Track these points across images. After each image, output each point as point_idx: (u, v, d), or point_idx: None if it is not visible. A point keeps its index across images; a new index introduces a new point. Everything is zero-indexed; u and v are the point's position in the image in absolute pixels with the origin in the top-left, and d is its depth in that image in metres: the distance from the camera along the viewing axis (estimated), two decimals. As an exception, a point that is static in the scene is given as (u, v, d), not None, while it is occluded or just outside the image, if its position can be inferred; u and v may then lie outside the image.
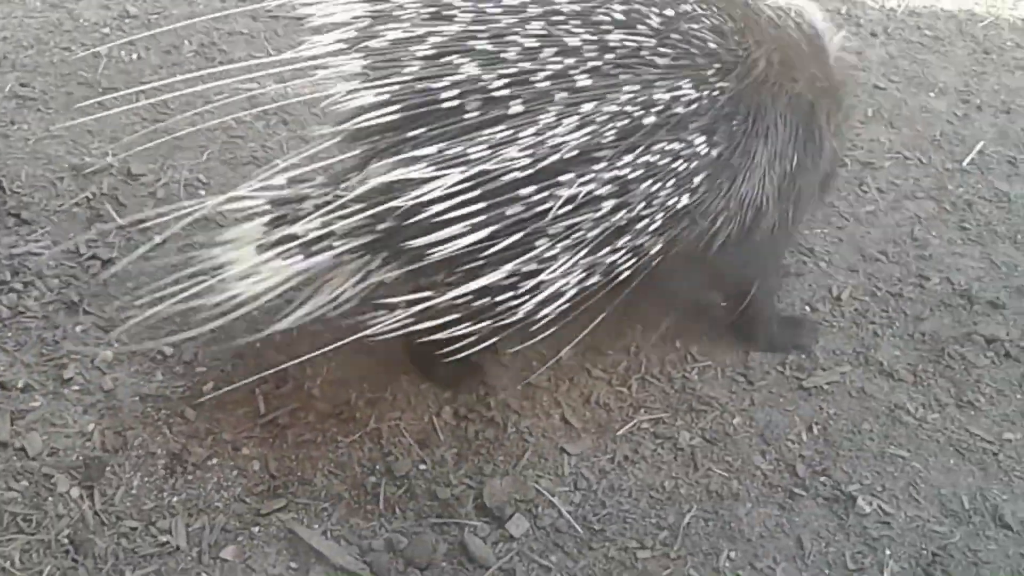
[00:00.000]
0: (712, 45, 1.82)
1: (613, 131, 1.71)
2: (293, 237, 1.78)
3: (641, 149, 1.73)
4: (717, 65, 1.82)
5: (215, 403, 2.01)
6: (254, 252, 1.83)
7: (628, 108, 1.71)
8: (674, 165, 1.76)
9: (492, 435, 2.03)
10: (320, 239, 1.78)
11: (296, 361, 1.92)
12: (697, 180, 1.80)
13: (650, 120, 1.72)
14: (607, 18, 1.73)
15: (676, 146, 1.76)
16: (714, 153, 1.81)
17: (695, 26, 1.81)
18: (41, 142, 2.63)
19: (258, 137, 2.75)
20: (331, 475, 1.92)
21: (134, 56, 3.06)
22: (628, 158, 1.72)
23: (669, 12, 1.79)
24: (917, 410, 2.21)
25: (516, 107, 1.66)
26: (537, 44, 1.69)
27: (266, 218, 1.87)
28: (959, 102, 3.38)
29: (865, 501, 1.99)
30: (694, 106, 1.78)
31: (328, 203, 1.74)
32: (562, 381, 2.15)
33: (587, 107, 1.68)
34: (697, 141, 1.78)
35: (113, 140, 2.67)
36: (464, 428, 2.04)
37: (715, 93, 1.80)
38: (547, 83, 1.67)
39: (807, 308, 2.44)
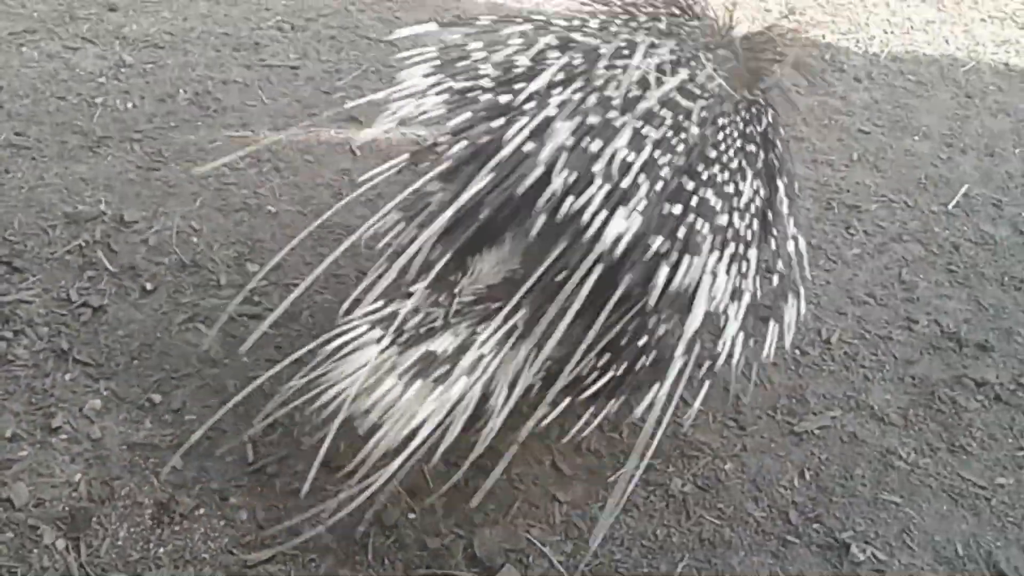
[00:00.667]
0: None
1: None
2: (433, 356, 1.75)
3: None
4: None
5: (203, 451, 2.00)
6: (398, 381, 1.76)
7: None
8: None
9: (482, 482, 2.01)
10: (461, 349, 1.75)
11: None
12: None
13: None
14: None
15: None
16: None
17: None
18: (35, 190, 2.65)
19: (251, 184, 2.77)
20: (319, 525, 1.91)
21: (129, 105, 3.09)
22: None
23: None
24: (909, 455, 2.21)
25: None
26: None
27: (383, 343, 1.78)
28: (943, 146, 3.42)
29: (859, 548, 1.98)
30: None
31: (450, 309, 1.76)
32: (552, 427, 2.14)
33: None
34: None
35: (107, 188, 2.68)
36: (454, 475, 2.02)
37: None
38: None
39: (796, 351, 2.45)
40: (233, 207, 2.67)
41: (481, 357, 1.74)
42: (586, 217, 1.62)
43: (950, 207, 3.07)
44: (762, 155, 1.92)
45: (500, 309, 1.73)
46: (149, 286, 2.37)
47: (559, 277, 1.64)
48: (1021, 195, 3.20)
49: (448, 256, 1.73)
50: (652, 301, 1.71)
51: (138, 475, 1.94)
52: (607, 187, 1.64)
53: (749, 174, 1.84)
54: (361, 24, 3.74)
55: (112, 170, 2.77)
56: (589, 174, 1.65)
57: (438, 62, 1.92)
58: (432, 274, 1.72)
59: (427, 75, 1.90)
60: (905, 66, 3.95)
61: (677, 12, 2.12)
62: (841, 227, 2.91)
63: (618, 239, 1.62)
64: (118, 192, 2.68)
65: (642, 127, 1.70)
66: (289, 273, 2.46)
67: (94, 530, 1.84)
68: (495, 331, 1.74)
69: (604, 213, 1.63)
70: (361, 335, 1.80)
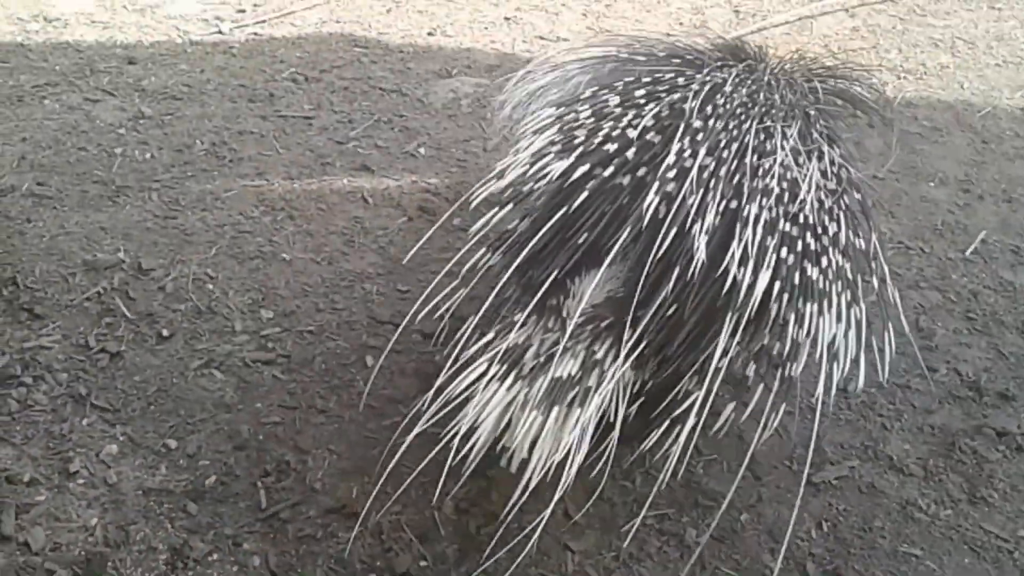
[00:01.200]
0: None
1: None
2: (561, 381, 1.80)
3: None
4: None
5: (217, 497, 2.00)
6: (536, 413, 1.80)
7: None
8: None
9: (494, 530, 2.00)
10: (585, 369, 1.82)
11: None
12: None
13: None
14: None
15: None
16: None
17: None
18: (56, 239, 2.68)
19: (265, 232, 2.80)
20: (331, 572, 1.90)
21: (148, 155, 3.14)
22: None
23: None
24: (929, 506, 2.17)
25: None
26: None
27: (508, 380, 1.83)
28: (959, 192, 3.41)
29: (878, 600, 1.95)
30: None
31: (565, 332, 1.81)
32: (564, 473, 2.13)
33: None
34: None
35: (125, 236, 2.72)
36: (466, 523, 2.01)
37: None
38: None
39: (812, 400, 2.43)
40: (248, 255, 2.70)
41: (603, 375, 1.81)
42: (733, 272, 1.74)
43: (967, 254, 3.06)
44: (857, 200, 2.03)
45: (611, 326, 1.83)
46: (166, 332, 2.38)
47: (670, 310, 1.79)
48: (1039, 242, 3.19)
49: (550, 282, 1.82)
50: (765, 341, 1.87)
51: (153, 520, 1.94)
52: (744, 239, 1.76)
53: (848, 222, 1.96)
54: (373, 75, 3.79)
55: (131, 219, 2.80)
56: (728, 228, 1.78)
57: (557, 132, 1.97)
58: (535, 302, 1.83)
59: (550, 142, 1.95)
60: (919, 111, 3.95)
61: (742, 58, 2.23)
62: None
63: (750, 289, 1.74)
64: (136, 240, 2.71)
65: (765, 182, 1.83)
66: (303, 320, 2.47)
67: (109, 574, 1.83)
68: (610, 349, 1.82)
69: (746, 269, 1.75)
70: (483, 375, 1.85)
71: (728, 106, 1.95)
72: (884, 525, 2.12)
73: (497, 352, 1.85)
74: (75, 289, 2.51)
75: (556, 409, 1.79)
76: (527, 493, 1.76)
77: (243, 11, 4.29)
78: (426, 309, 1.95)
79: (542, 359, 1.83)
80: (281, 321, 2.46)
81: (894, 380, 2.51)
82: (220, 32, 4.07)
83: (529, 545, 1.96)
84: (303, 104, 3.54)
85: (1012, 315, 2.80)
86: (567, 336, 1.80)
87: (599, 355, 1.82)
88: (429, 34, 4.20)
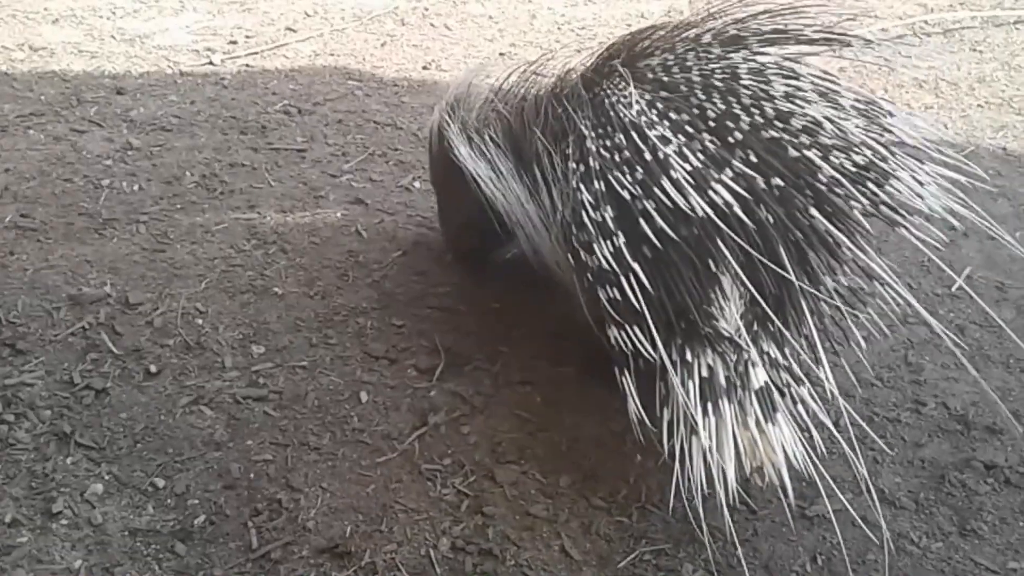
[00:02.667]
0: None
1: None
2: (766, 390, 1.93)
3: None
4: None
5: (207, 537, 1.97)
6: (766, 425, 1.94)
7: None
8: None
9: (491, 568, 1.98)
10: (776, 370, 1.97)
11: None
12: None
13: None
14: None
15: None
16: None
17: None
18: (39, 272, 2.65)
19: (257, 266, 2.78)
20: (326, 612, 1.87)
21: (136, 187, 3.12)
22: None
23: None
24: (921, 539, 2.17)
25: None
26: None
27: (723, 404, 1.92)
28: (944, 229, 3.43)
29: (874, 636, 1.94)
30: None
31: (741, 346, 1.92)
32: (561, 511, 2.12)
33: None
34: None
35: (112, 270, 2.69)
36: (462, 561, 1.99)
37: None
38: None
39: (805, 434, 2.42)
40: (239, 289, 2.68)
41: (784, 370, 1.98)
42: None
43: (953, 289, 3.08)
44: None
45: (764, 323, 1.96)
46: (153, 368, 2.36)
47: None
48: None
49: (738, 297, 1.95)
50: None
51: (140, 562, 1.91)
52: None
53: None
54: (367, 108, 3.80)
55: (118, 252, 2.78)
56: None
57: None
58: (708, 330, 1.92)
59: None
60: (904, 150, 4.00)
61: None
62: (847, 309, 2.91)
63: None
64: (123, 274, 2.68)
65: None
66: (295, 355, 2.45)
67: (94, 619, 1.80)
68: (778, 349, 1.98)
69: None
70: (700, 408, 1.91)
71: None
72: (877, 558, 2.11)
73: (695, 388, 1.91)
74: (59, 324, 2.48)
75: (779, 415, 1.94)
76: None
77: (235, 42, 4.29)
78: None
79: (738, 376, 1.92)
80: (273, 356, 2.44)
81: (884, 414, 2.52)
82: (211, 63, 4.07)
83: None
84: (296, 136, 3.54)
85: (998, 350, 2.82)
86: (751, 349, 1.92)
87: (774, 354, 1.96)
88: (424, 68, 4.21)
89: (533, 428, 2.32)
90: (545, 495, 2.15)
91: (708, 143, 1.91)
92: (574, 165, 2.06)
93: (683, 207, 1.85)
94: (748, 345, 1.92)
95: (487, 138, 2.46)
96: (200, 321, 2.54)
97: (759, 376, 1.93)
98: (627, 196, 1.91)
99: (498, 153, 2.43)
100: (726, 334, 1.92)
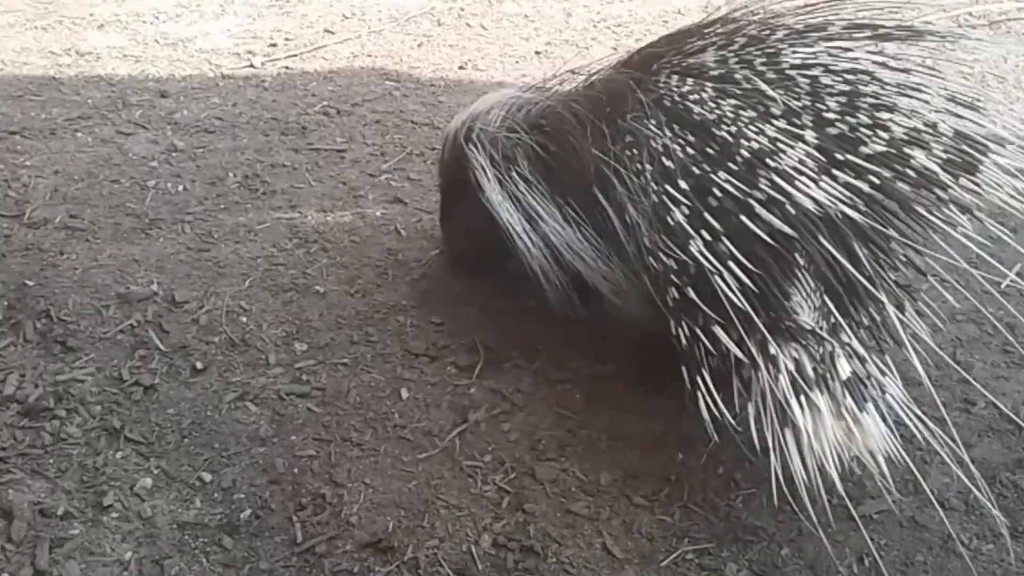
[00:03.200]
0: None
1: None
2: (854, 380, 1.96)
3: None
4: None
5: (252, 531, 1.99)
6: (860, 416, 1.96)
7: None
8: None
9: (532, 565, 1.98)
10: (860, 361, 1.98)
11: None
12: None
13: None
14: None
15: None
16: None
17: None
18: (89, 271, 2.70)
19: (299, 264, 2.80)
20: (369, 607, 1.88)
21: (180, 188, 3.16)
22: None
23: None
24: (971, 541, 2.14)
25: None
26: None
27: (820, 400, 1.93)
28: (992, 225, 3.38)
29: (922, 637, 1.91)
30: None
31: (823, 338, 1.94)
32: (603, 508, 2.11)
33: None
34: None
35: (159, 269, 2.73)
36: (503, 558, 1.99)
37: None
38: None
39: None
40: (282, 287, 2.70)
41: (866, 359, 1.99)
42: None
43: (1003, 287, 3.03)
44: None
45: (843, 311, 1.97)
46: (199, 365, 2.39)
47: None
48: (1073, 274, 3.15)
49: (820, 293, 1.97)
50: None
51: (188, 554, 1.93)
52: None
53: None
54: (405, 108, 3.81)
55: (164, 251, 2.82)
56: None
57: None
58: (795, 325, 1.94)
59: None
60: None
61: None
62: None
63: None
64: (169, 273, 2.72)
65: None
66: (337, 352, 2.47)
67: (143, 610, 1.83)
68: (854, 338, 1.98)
69: None
70: (795, 400, 1.92)
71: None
72: (926, 560, 2.08)
73: (786, 381, 1.91)
74: (109, 322, 2.52)
75: (870, 405, 1.96)
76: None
77: (275, 45, 4.33)
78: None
79: (825, 368, 1.93)
80: (315, 354, 2.46)
81: (932, 413, 2.48)
82: (252, 66, 4.11)
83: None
84: (335, 137, 3.56)
85: (1050, 347, 2.77)
86: (839, 339, 1.94)
87: (855, 347, 1.96)
88: (460, 68, 4.23)
89: (573, 425, 2.31)
90: (586, 493, 2.15)
91: (802, 137, 1.93)
92: (651, 168, 2.06)
93: (786, 202, 1.88)
94: (830, 337, 1.94)
95: (516, 175, 2.43)
96: (244, 319, 2.56)
97: (845, 367, 1.94)
98: (724, 192, 1.93)
99: (532, 193, 2.41)
100: (807, 327, 1.93)
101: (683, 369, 2.04)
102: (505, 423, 2.30)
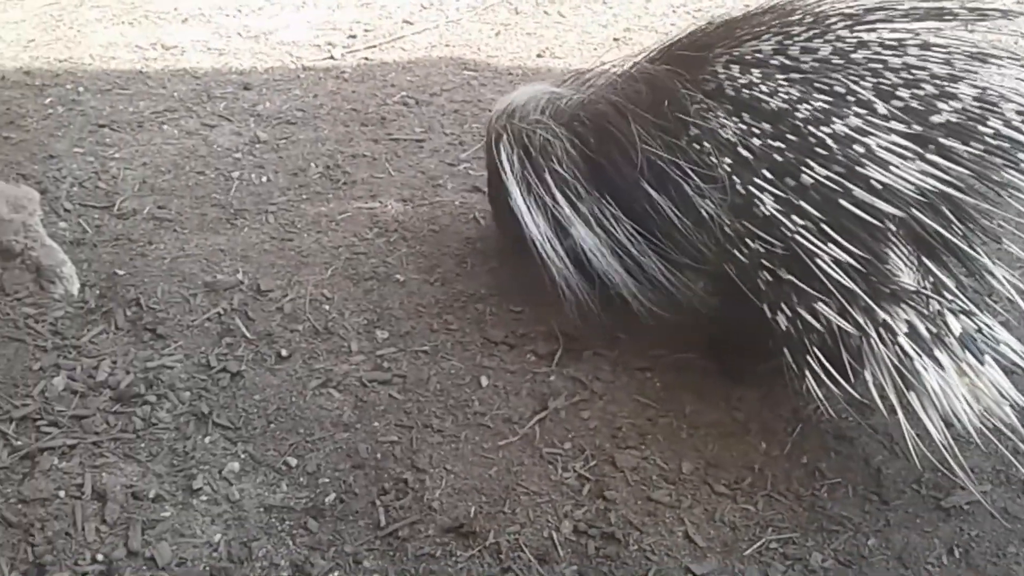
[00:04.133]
0: None
1: None
2: (967, 335, 1.94)
3: None
4: None
5: (337, 514, 2.03)
6: (984, 368, 1.94)
7: None
8: None
9: (613, 552, 1.98)
10: (968, 316, 1.97)
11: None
12: None
13: None
14: None
15: None
16: None
17: None
18: (176, 261, 2.77)
19: (379, 253, 2.84)
20: (452, 591, 1.90)
21: (264, 179, 3.22)
22: None
23: None
24: (1067, 533, 2.07)
25: None
26: None
27: (942, 358, 1.94)
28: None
29: (1015, 631, 1.86)
30: None
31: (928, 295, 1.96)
32: (684, 497, 2.10)
33: None
34: None
35: (244, 258, 2.79)
36: (584, 544, 1.99)
37: None
38: None
39: (942, 422, 2.34)
40: (363, 275, 2.74)
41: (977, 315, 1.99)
42: None
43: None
44: None
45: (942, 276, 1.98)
46: (284, 352, 2.43)
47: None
48: None
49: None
50: None
51: (275, 537, 1.98)
52: None
53: None
54: (483, 98, 3.82)
55: (248, 241, 2.88)
56: None
57: None
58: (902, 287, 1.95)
59: None
60: None
61: None
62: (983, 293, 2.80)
63: None
64: (254, 262, 2.78)
65: None
66: (417, 340, 2.49)
67: (233, 591, 1.88)
68: (960, 293, 1.99)
69: None
70: (919, 366, 1.92)
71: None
72: (1019, 551, 2.02)
73: (907, 343, 1.92)
74: (196, 310, 2.58)
75: (988, 359, 1.93)
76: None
77: (354, 36, 4.39)
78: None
79: (939, 327, 1.92)
80: (396, 341, 2.49)
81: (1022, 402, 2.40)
82: (332, 57, 4.17)
83: (650, 569, 1.94)
84: (414, 127, 3.59)
85: None
86: (944, 296, 1.95)
87: (961, 300, 1.97)
88: (538, 56, 4.22)
89: (653, 414, 2.30)
90: (667, 481, 2.13)
91: (880, 116, 1.94)
92: (729, 160, 2.06)
93: (876, 181, 1.89)
94: (935, 295, 1.94)
95: (548, 174, 2.42)
96: (327, 307, 2.61)
97: (955, 324, 1.93)
98: (813, 177, 1.94)
99: (566, 191, 2.40)
100: (911, 288, 1.93)
101: (786, 353, 2.05)
102: (585, 411, 2.30)
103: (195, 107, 3.71)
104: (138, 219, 2.98)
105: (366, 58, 4.19)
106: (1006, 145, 1.91)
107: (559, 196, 2.39)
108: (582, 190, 2.37)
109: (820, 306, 1.95)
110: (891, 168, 1.89)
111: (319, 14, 4.64)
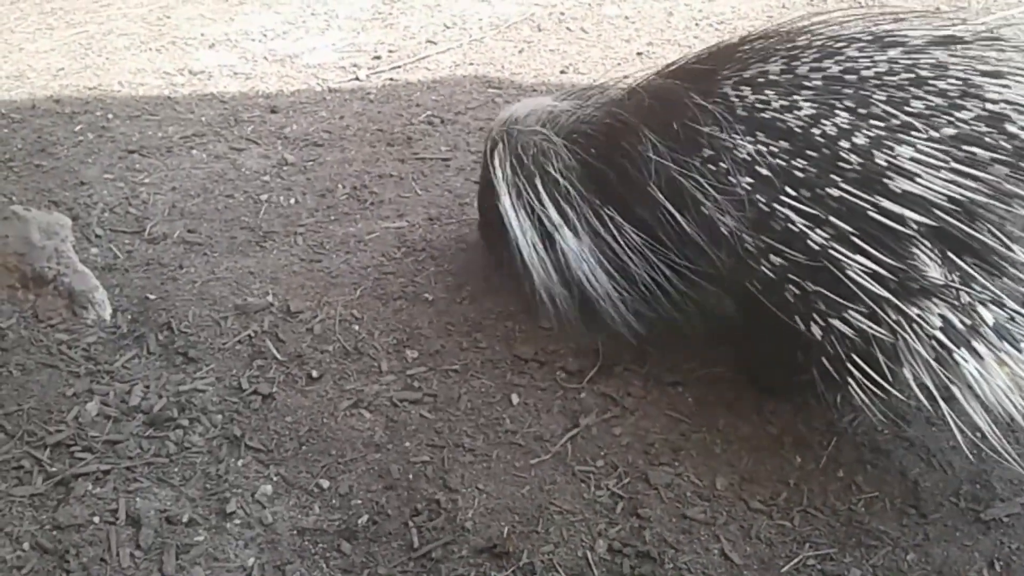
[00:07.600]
0: None
1: None
2: (999, 325, 1.93)
3: None
4: None
5: (370, 536, 2.02)
6: (1007, 361, 1.93)
7: None
8: None
9: (648, 571, 1.96)
10: (1000, 306, 1.95)
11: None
12: None
13: None
14: None
15: None
16: None
17: None
18: (207, 284, 2.79)
19: (407, 273, 2.84)
20: (485, 612, 1.89)
21: (292, 200, 3.24)
22: None
23: None
24: (1112, 546, 2.03)
25: None
26: None
27: (982, 350, 1.93)
28: None
29: (1061, 647, 1.82)
30: None
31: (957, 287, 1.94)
32: (719, 513, 2.08)
33: None
34: None
35: (273, 280, 2.80)
36: (619, 563, 1.98)
37: None
38: None
39: (978, 434, 2.30)
40: (391, 295, 2.74)
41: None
42: None
43: None
44: None
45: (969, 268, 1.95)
46: (315, 373, 2.44)
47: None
48: None
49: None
50: None
51: (308, 560, 1.98)
52: None
53: None
54: (507, 116, 3.83)
55: (278, 263, 2.89)
56: None
57: None
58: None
59: None
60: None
61: None
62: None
63: None
64: (284, 284, 2.79)
65: None
66: (447, 359, 2.49)
67: (268, 614, 1.88)
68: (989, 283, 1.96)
69: None
70: (958, 358, 1.91)
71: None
72: (1062, 567, 1.99)
73: (944, 336, 1.91)
74: (227, 333, 2.60)
75: (1022, 343, 1.92)
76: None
77: (379, 58, 4.41)
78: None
79: (973, 319, 1.91)
80: (426, 360, 2.49)
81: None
82: (357, 79, 4.19)
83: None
84: (440, 146, 3.60)
85: None
86: (973, 288, 1.93)
87: (991, 289, 1.95)
88: (561, 72, 4.22)
89: (686, 429, 2.28)
90: (701, 497, 2.11)
91: (898, 128, 1.96)
92: (748, 180, 2.06)
93: (899, 191, 1.91)
94: (964, 286, 1.93)
95: (540, 184, 2.45)
96: (357, 327, 2.61)
97: (987, 314, 1.92)
98: (836, 192, 1.96)
99: (559, 202, 2.42)
100: (940, 281, 1.92)
101: (824, 363, 2.04)
102: (616, 427, 2.28)
103: (223, 131, 3.74)
104: (168, 243, 3.00)
105: (391, 79, 4.21)
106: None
107: (547, 201, 2.42)
108: (576, 196, 2.40)
109: (851, 314, 1.95)
110: (917, 179, 1.90)
111: (344, 36, 4.68)
